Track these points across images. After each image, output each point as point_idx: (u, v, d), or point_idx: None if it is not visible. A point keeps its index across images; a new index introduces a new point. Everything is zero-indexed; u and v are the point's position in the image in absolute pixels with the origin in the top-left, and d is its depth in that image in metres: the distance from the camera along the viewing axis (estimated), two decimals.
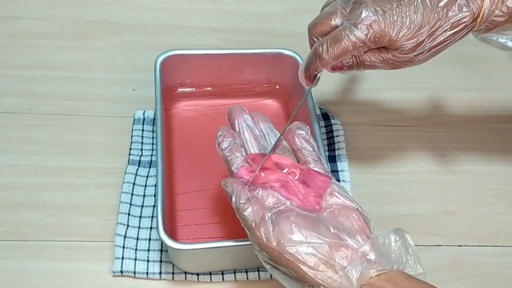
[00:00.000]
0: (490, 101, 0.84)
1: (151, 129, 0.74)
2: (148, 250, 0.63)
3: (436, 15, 0.52)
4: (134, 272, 0.62)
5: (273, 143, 0.56)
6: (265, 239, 0.47)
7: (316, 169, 0.53)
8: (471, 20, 0.53)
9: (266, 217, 0.48)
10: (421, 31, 0.52)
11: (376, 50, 0.55)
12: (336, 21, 0.55)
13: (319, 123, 0.67)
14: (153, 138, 0.73)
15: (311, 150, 0.56)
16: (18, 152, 0.71)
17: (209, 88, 0.76)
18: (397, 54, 0.54)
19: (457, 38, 0.54)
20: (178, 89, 0.75)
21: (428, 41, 0.53)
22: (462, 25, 0.53)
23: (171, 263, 0.63)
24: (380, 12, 0.52)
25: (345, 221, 0.49)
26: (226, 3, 0.92)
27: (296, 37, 0.88)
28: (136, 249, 0.63)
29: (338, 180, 0.71)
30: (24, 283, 0.61)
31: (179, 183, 0.67)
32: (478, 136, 0.79)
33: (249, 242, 0.56)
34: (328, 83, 0.83)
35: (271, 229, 0.47)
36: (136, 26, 0.87)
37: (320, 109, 0.78)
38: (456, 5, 0.52)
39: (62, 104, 0.76)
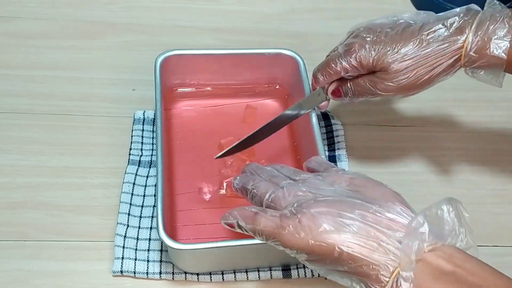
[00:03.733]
0: (490, 101, 0.84)
1: (151, 129, 0.74)
2: (148, 250, 0.63)
3: (420, 48, 0.57)
4: (134, 272, 0.62)
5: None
6: (295, 236, 0.43)
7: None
8: (452, 58, 0.58)
9: (286, 213, 0.44)
10: (406, 59, 0.57)
11: (366, 75, 0.60)
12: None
13: (319, 123, 0.67)
14: (153, 138, 0.73)
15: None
16: (18, 152, 0.71)
17: (209, 88, 0.76)
18: (384, 77, 0.58)
19: (442, 76, 0.60)
20: (178, 89, 0.75)
21: (413, 71, 0.57)
22: (444, 62, 0.58)
23: (171, 263, 0.63)
24: (367, 40, 0.59)
25: (371, 192, 0.46)
26: (226, 3, 0.92)
27: (296, 37, 0.89)
28: (136, 249, 0.63)
29: None
30: (24, 283, 0.61)
31: (179, 183, 0.67)
32: (477, 136, 0.79)
33: (249, 242, 0.56)
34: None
35: (298, 222, 0.43)
36: (136, 26, 0.87)
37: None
38: (438, 44, 0.57)
39: (62, 104, 0.76)
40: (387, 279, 0.41)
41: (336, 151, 0.74)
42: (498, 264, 0.69)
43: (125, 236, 0.64)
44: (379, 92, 0.59)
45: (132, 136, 0.73)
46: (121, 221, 0.65)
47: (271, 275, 0.63)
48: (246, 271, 0.63)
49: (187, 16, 0.89)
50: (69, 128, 0.74)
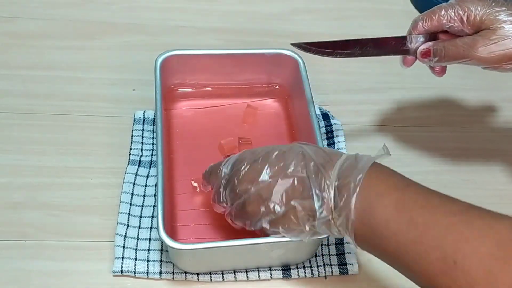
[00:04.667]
0: (490, 101, 0.84)
1: (151, 129, 0.74)
2: (148, 250, 0.63)
3: None
4: (134, 272, 0.62)
5: None
6: (238, 187, 0.53)
7: None
8: None
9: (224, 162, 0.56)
10: None
11: (467, 36, 0.58)
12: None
13: (319, 123, 0.67)
14: (153, 138, 0.73)
15: None
16: (18, 152, 0.71)
17: (209, 88, 0.76)
18: (490, 35, 0.56)
19: None
20: (178, 89, 0.75)
21: None
22: None
23: (171, 263, 0.63)
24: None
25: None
26: (226, 3, 0.92)
27: (296, 37, 0.88)
28: (136, 249, 0.63)
29: None
30: (24, 283, 0.61)
31: (179, 183, 0.67)
32: (478, 136, 0.79)
33: (249, 242, 0.56)
34: (328, 83, 0.83)
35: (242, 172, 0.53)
36: (136, 26, 0.87)
37: (320, 109, 0.78)
38: None
39: (62, 104, 0.76)
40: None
41: None
42: None
43: (125, 236, 0.64)
44: (477, 54, 0.56)
45: (132, 136, 0.73)
46: (121, 221, 0.65)
47: (271, 275, 0.63)
48: (246, 271, 0.63)
49: (187, 16, 0.89)
50: (69, 128, 0.74)
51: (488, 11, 0.55)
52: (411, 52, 0.63)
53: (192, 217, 0.65)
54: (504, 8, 0.55)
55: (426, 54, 0.61)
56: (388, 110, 0.81)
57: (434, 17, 0.59)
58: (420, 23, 0.61)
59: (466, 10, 0.57)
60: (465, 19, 0.57)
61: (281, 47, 0.74)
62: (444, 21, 0.58)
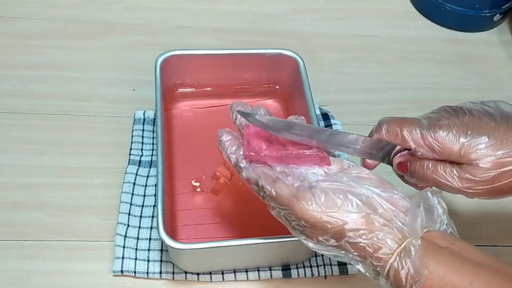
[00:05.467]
0: None
1: (152, 129, 0.74)
2: (149, 249, 0.64)
3: None
4: (135, 272, 0.62)
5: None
6: (308, 207, 0.44)
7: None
8: None
9: (303, 186, 0.46)
10: (502, 146, 0.46)
11: (447, 163, 0.48)
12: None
13: (319, 123, 0.67)
14: (153, 138, 0.73)
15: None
16: (19, 152, 0.71)
17: (209, 88, 0.76)
18: (465, 169, 0.47)
19: None
20: (178, 89, 0.75)
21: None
22: None
23: (172, 262, 0.63)
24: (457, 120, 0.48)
25: (369, 181, 0.47)
26: (226, 3, 0.92)
27: (296, 37, 0.89)
28: (136, 249, 0.63)
29: None
30: (24, 283, 0.61)
31: (179, 183, 0.68)
32: None
33: (249, 242, 0.56)
34: (328, 83, 0.83)
35: (313, 195, 0.45)
36: (136, 26, 0.87)
37: (320, 109, 0.78)
38: None
39: (62, 104, 0.76)
40: (389, 256, 0.43)
41: (336, 151, 0.74)
42: None
43: (125, 236, 0.64)
44: (460, 189, 0.48)
45: (132, 136, 0.73)
46: (121, 221, 0.65)
47: (271, 275, 0.63)
48: (246, 271, 0.63)
49: (187, 16, 0.89)
50: (69, 128, 0.74)
51: (465, 142, 0.46)
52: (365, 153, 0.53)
53: (192, 217, 0.65)
54: (483, 137, 0.46)
55: (402, 169, 0.51)
56: (388, 110, 0.81)
57: (400, 133, 0.50)
58: (385, 134, 0.51)
59: (439, 138, 0.47)
60: (438, 149, 0.48)
61: (281, 47, 0.74)
62: (413, 145, 0.49)
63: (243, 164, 0.51)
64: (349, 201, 0.44)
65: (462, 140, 0.47)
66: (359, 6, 0.95)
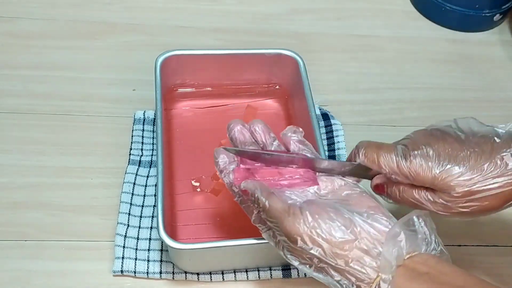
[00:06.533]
0: (490, 101, 0.84)
1: (152, 129, 0.74)
2: (149, 249, 0.64)
3: (495, 164, 0.49)
4: (135, 272, 0.62)
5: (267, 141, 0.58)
6: (296, 224, 0.46)
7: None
8: None
9: (295, 204, 0.48)
10: (475, 175, 0.48)
11: (422, 188, 0.51)
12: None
13: (319, 123, 0.67)
14: (153, 138, 0.73)
15: (309, 151, 0.56)
16: (19, 152, 0.71)
17: (209, 88, 0.76)
18: (441, 196, 0.50)
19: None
20: (178, 89, 0.75)
21: (480, 192, 0.49)
22: None
23: (172, 262, 0.63)
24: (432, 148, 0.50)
25: (358, 204, 0.48)
26: (226, 3, 0.92)
27: (296, 37, 0.89)
28: (136, 249, 0.63)
29: None
30: (24, 283, 0.61)
31: (179, 183, 0.68)
32: None
33: (249, 242, 0.56)
34: (328, 83, 0.83)
35: (301, 213, 0.46)
36: (136, 26, 0.87)
37: (320, 109, 0.78)
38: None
39: (62, 104, 0.76)
40: (370, 285, 0.45)
41: (336, 151, 0.74)
42: (498, 264, 0.69)
43: (125, 236, 0.64)
44: (434, 211, 0.51)
45: (132, 136, 0.73)
46: (121, 221, 0.65)
47: (271, 275, 0.63)
48: (246, 271, 0.63)
49: (187, 16, 0.89)
50: (69, 128, 0.74)
51: (437, 174, 0.49)
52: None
53: (192, 217, 0.65)
54: (456, 168, 0.49)
55: (379, 191, 0.54)
56: (388, 110, 0.81)
57: (375, 160, 0.52)
58: (362, 158, 0.53)
59: (413, 170, 0.50)
60: (411, 177, 0.50)
61: (281, 47, 0.74)
62: (387, 171, 0.51)
63: (236, 189, 0.53)
64: (333, 226, 0.46)
65: (434, 171, 0.49)
66: (359, 6, 0.95)
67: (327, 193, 0.52)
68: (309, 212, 0.46)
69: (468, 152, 0.49)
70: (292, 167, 0.54)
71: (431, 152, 0.50)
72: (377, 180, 0.54)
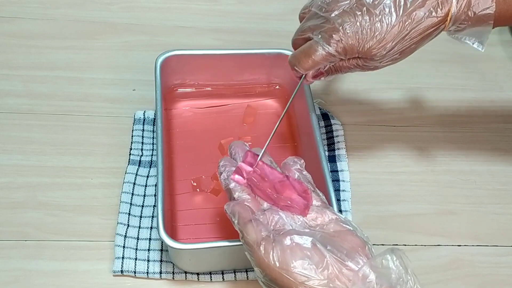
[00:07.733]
0: (490, 101, 0.84)
1: (152, 129, 0.74)
2: (149, 249, 0.64)
3: (404, 23, 0.53)
4: (135, 272, 0.62)
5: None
6: (265, 259, 0.47)
7: (313, 201, 0.53)
8: (439, 24, 0.55)
9: (268, 237, 0.48)
10: (389, 41, 0.54)
11: (350, 58, 0.57)
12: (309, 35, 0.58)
13: (319, 123, 0.67)
14: (153, 138, 0.73)
15: (307, 181, 0.56)
16: (19, 152, 0.71)
17: (209, 88, 0.76)
18: (369, 61, 0.56)
19: (426, 41, 0.56)
20: (178, 89, 0.75)
21: (397, 48, 0.54)
22: (431, 30, 0.55)
23: (172, 262, 0.63)
24: (347, 27, 0.54)
25: (341, 242, 0.48)
26: (226, 3, 0.92)
27: None
28: (136, 249, 0.63)
29: (338, 180, 0.71)
30: (24, 283, 0.61)
31: (179, 183, 0.68)
32: (477, 136, 0.79)
33: None
34: (328, 83, 0.83)
35: (273, 249, 0.47)
36: (136, 26, 0.87)
37: (320, 109, 0.78)
38: (424, 11, 0.53)
39: (63, 104, 0.76)
40: None
41: (336, 151, 0.74)
42: (498, 264, 0.69)
43: (125, 236, 0.64)
44: (365, 70, 0.58)
45: (132, 136, 0.73)
46: (121, 221, 0.65)
47: None
48: (246, 271, 0.63)
49: (187, 16, 0.89)
50: (69, 128, 0.74)
51: (359, 47, 0.55)
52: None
53: (192, 217, 0.65)
54: (371, 36, 0.54)
55: (318, 75, 0.61)
56: (388, 110, 0.81)
57: (314, 60, 0.56)
58: (301, 70, 0.58)
59: (339, 48, 0.55)
60: (343, 55, 0.56)
61: (281, 47, 0.74)
62: (328, 61, 0.57)
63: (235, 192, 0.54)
64: (306, 264, 0.45)
65: (354, 43, 0.54)
66: None
67: (316, 225, 0.51)
68: (282, 248, 0.46)
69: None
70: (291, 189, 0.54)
71: (346, 25, 0.54)
72: (313, 72, 0.60)
